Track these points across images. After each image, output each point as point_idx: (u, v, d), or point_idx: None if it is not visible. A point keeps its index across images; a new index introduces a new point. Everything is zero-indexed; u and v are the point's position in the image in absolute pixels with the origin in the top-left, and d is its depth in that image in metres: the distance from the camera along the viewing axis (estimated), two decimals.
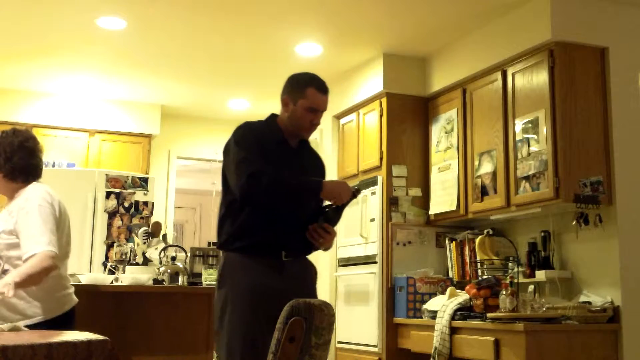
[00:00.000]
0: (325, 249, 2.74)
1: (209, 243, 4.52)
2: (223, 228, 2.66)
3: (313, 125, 2.72)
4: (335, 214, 2.67)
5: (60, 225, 3.08)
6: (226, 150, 2.69)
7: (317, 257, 5.80)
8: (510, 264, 4.27)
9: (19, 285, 2.66)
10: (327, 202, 2.67)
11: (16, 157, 3.05)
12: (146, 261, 4.09)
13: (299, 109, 2.69)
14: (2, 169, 3.06)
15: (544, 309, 3.76)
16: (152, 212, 5.90)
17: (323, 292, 5.66)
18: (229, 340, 2.49)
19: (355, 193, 2.64)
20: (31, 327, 2.73)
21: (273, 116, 2.79)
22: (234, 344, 2.47)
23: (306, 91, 2.68)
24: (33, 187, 3.09)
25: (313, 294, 2.68)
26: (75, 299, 3.09)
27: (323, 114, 2.76)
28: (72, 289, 3.11)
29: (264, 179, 2.49)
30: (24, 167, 3.09)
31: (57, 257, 2.84)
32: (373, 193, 5.14)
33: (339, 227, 5.49)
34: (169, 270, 3.83)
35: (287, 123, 2.73)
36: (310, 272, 2.72)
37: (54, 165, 6.16)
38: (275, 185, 2.53)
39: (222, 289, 2.58)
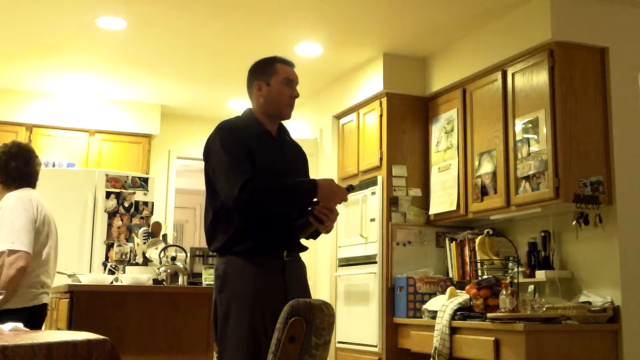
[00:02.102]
0: (327, 232, 2.68)
1: None
2: (216, 232, 2.59)
3: (292, 98, 2.68)
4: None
5: (40, 227, 3.27)
6: (208, 153, 2.61)
7: (317, 257, 5.81)
8: (510, 264, 4.27)
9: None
10: None
11: (13, 164, 3.29)
12: (146, 261, 4.09)
13: (274, 87, 2.65)
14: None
15: (544, 309, 3.76)
16: (152, 212, 5.90)
17: (323, 292, 5.66)
18: (235, 345, 2.47)
19: (349, 189, 2.60)
20: None
21: (249, 110, 2.75)
22: (240, 349, 2.45)
23: (275, 67, 2.68)
24: (16, 191, 3.36)
25: (308, 290, 2.68)
26: (44, 300, 3.32)
27: (296, 86, 2.72)
28: (43, 290, 3.33)
29: (258, 189, 2.45)
30: (19, 175, 3.32)
31: (28, 256, 3.15)
32: (373, 193, 5.14)
33: (339, 228, 5.50)
34: (169, 270, 3.83)
35: (265, 108, 2.67)
36: (304, 269, 2.72)
37: (54, 165, 6.16)
38: (269, 194, 2.49)
39: (224, 292, 2.52)
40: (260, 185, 2.47)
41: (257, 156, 2.55)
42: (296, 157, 2.79)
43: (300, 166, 2.79)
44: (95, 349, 1.56)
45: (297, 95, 2.70)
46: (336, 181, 5.65)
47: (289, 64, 2.72)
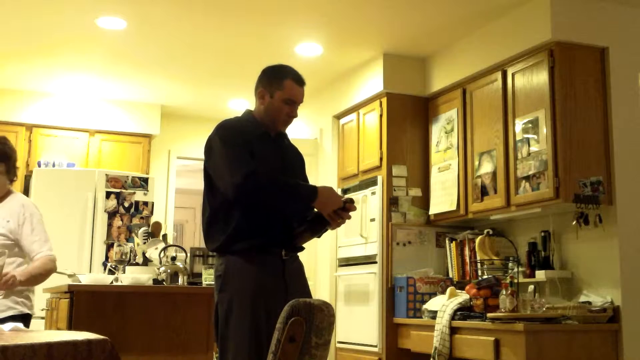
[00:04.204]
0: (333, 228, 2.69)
1: None
2: (214, 231, 2.60)
3: (290, 117, 2.70)
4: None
5: None
6: (209, 150, 2.63)
7: (317, 257, 5.81)
8: (510, 264, 4.27)
9: (23, 283, 3.05)
10: None
11: (15, 156, 3.32)
12: (146, 261, 4.09)
13: (276, 102, 2.67)
14: (12, 170, 3.29)
15: (544, 309, 3.76)
16: (152, 212, 5.90)
17: (323, 292, 5.66)
18: (237, 345, 2.47)
19: (345, 202, 2.57)
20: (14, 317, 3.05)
21: (249, 111, 2.77)
22: (243, 348, 2.45)
23: (283, 83, 2.67)
24: (20, 194, 3.39)
25: (309, 289, 2.69)
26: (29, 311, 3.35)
27: (299, 106, 2.74)
28: (32, 303, 3.36)
29: (262, 179, 2.47)
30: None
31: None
32: (373, 193, 5.14)
33: (340, 228, 5.50)
34: (169, 270, 3.83)
35: (263, 116, 2.70)
36: (302, 268, 2.74)
37: (54, 165, 6.16)
38: (271, 186, 2.51)
39: (225, 292, 2.53)
40: (264, 177, 2.49)
41: (256, 155, 2.57)
42: (294, 158, 2.82)
43: (298, 167, 2.81)
44: (95, 349, 1.56)
45: (295, 116, 2.72)
46: (336, 181, 5.69)
47: (299, 83, 2.71)
